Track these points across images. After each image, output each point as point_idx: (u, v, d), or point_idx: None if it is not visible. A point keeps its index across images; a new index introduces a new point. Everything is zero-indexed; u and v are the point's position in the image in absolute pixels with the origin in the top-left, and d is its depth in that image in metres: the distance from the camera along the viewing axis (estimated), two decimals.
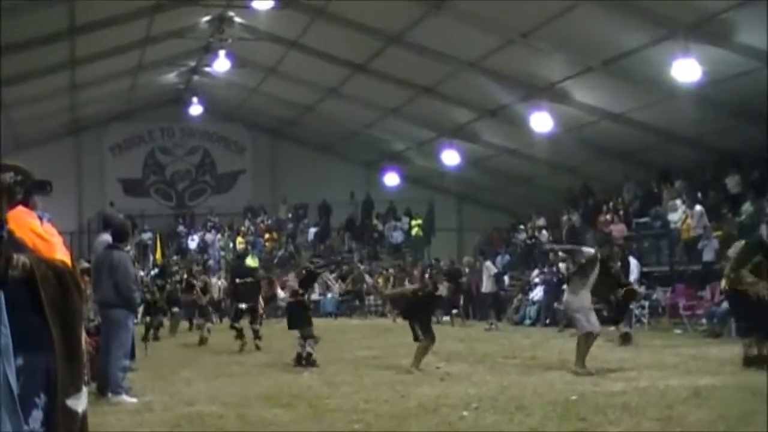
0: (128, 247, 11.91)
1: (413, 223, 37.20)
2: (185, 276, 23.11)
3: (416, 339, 13.19)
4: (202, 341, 19.17)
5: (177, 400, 10.36)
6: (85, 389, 4.26)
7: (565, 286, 15.43)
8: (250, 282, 18.48)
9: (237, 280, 18.75)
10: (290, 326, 14.55)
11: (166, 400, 10.28)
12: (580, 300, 12.49)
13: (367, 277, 31.25)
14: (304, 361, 13.77)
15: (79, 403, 4.14)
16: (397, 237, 37.49)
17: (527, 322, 24.97)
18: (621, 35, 19.91)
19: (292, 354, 14.32)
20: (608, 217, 26.67)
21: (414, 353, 13.12)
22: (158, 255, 31.46)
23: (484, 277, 24.91)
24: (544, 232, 30.41)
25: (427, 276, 24.80)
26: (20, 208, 4.40)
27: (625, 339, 16.68)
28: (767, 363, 11.45)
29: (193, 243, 37.18)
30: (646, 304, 21.48)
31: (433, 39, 23.17)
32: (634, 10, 18.68)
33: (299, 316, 14.35)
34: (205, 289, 21.90)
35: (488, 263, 25.61)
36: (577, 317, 12.55)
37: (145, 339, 17.48)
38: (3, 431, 3.51)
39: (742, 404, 8.72)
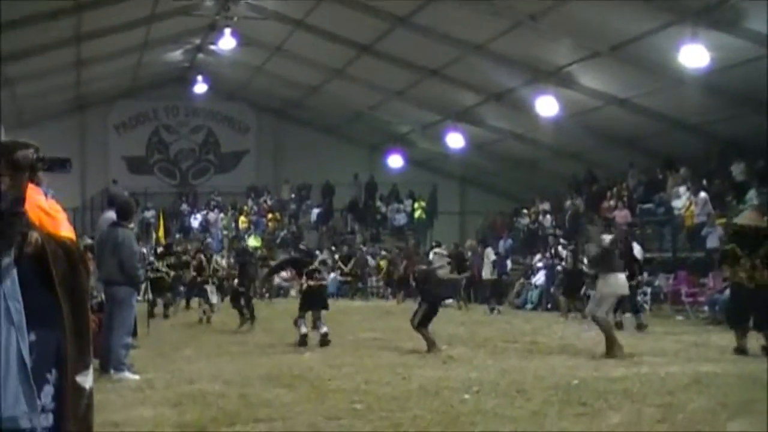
0: (132, 225, 11.92)
1: (416, 205, 37.25)
2: (194, 255, 23.02)
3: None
4: (208, 320, 19.34)
5: (178, 377, 10.39)
6: (91, 366, 4.27)
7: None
8: (248, 263, 18.95)
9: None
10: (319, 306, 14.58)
11: (168, 378, 10.30)
12: (602, 285, 12.67)
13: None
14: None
15: (87, 379, 4.16)
16: (400, 219, 37.51)
17: (528, 306, 25.02)
18: (629, 20, 19.79)
19: (293, 335, 14.39)
20: (612, 203, 26.64)
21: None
22: (161, 233, 31.40)
23: (485, 264, 24.99)
24: (547, 216, 30.42)
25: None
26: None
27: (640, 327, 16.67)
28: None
29: (195, 222, 37.26)
30: (649, 290, 21.50)
31: (439, 21, 23.08)
32: None
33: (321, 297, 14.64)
34: (215, 269, 21.90)
35: (488, 249, 25.64)
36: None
37: (150, 316, 17.51)
38: (18, 405, 3.53)
39: (742, 392, 8.72)
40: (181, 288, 23.45)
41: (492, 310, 23.06)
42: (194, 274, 21.27)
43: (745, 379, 9.60)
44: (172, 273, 21.72)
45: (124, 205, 11.55)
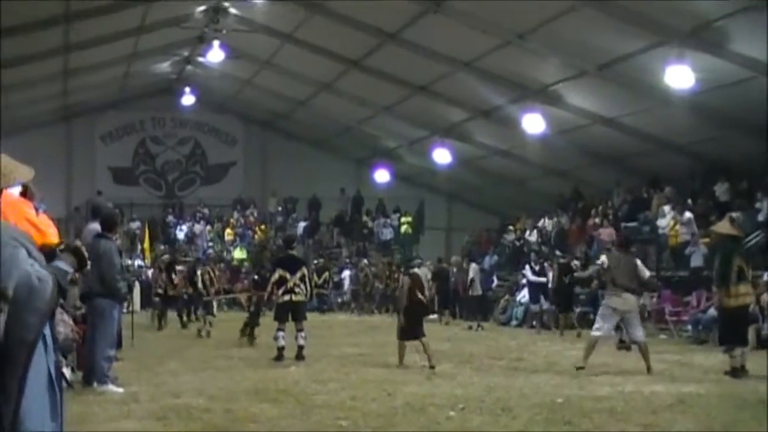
0: (116, 237, 11.88)
1: (403, 220, 37.26)
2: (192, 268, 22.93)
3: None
4: (208, 334, 19.05)
5: (163, 391, 10.35)
6: None
7: None
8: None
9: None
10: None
11: (152, 391, 10.27)
12: (607, 301, 12.88)
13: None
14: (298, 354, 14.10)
15: None
16: (387, 234, 37.52)
17: (514, 323, 25.04)
18: (616, 40, 19.94)
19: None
20: (597, 221, 26.77)
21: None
22: (146, 245, 31.37)
23: (470, 280, 25.04)
24: (534, 233, 30.48)
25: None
26: (18, 197, 4.41)
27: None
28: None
29: (181, 233, 37.18)
30: None
31: (429, 38, 23.18)
32: (629, 16, 18.70)
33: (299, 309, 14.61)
34: (211, 282, 21.61)
35: (473, 265, 25.70)
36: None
37: (160, 328, 17.37)
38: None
39: (726, 413, 8.78)
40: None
41: (474, 326, 23.07)
42: (200, 287, 20.78)
43: (728, 400, 9.65)
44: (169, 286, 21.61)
45: (107, 217, 11.52)
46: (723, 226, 13.28)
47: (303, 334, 14.35)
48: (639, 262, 13.38)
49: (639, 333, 12.85)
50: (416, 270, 14.55)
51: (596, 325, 12.94)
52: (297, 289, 14.45)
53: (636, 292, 13.20)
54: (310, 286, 15.03)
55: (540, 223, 30.61)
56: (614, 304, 12.73)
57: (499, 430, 8.06)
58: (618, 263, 12.97)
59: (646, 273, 13.36)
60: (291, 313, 14.51)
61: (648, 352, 12.63)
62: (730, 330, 12.44)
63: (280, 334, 14.33)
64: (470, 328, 23.02)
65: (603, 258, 13.42)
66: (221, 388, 10.72)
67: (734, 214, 13.51)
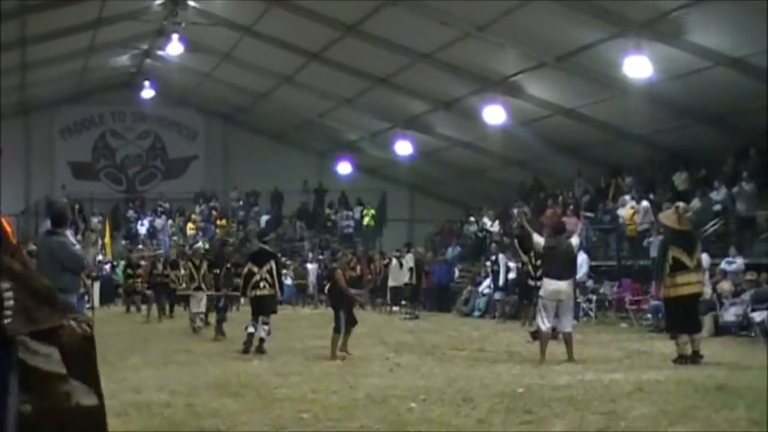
0: (68, 231, 11.70)
1: (365, 212, 37.27)
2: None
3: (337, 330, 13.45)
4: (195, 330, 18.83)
5: (124, 386, 10.25)
6: None
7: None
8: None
9: None
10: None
11: (112, 387, 10.12)
12: (544, 292, 12.89)
13: None
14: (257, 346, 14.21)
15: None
16: (349, 226, 37.51)
17: (476, 314, 25.16)
18: (575, 31, 20.10)
19: (240, 343, 14.38)
20: (558, 210, 26.93)
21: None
22: (106, 240, 31.07)
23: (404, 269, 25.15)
24: (496, 223, 30.62)
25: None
26: None
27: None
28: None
29: (143, 228, 36.88)
30: (594, 298, 21.81)
31: (389, 30, 23.18)
32: (587, 7, 18.86)
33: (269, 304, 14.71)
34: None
35: (409, 256, 25.77)
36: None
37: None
38: None
39: (683, 399, 8.88)
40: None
41: (407, 316, 23.17)
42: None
43: (686, 386, 9.78)
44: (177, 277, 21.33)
45: (57, 212, 11.34)
46: (665, 216, 13.43)
47: (266, 327, 14.39)
48: (575, 241, 13.34)
49: (569, 323, 12.85)
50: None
51: (541, 319, 12.82)
52: (263, 283, 14.46)
53: (572, 279, 13.26)
54: (278, 279, 14.96)
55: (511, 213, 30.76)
56: (551, 295, 12.76)
57: (460, 420, 8.09)
58: (554, 251, 12.95)
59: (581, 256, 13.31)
60: (258, 306, 14.59)
61: (572, 343, 12.71)
62: (672, 318, 12.65)
63: (251, 323, 14.50)
64: (410, 315, 23.14)
65: (538, 239, 13.28)
66: (182, 383, 10.65)
67: (680, 204, 13.60)
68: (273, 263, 14.77)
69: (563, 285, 12.78)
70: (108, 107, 38.18)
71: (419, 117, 29.51)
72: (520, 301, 21.90)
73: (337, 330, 13.55)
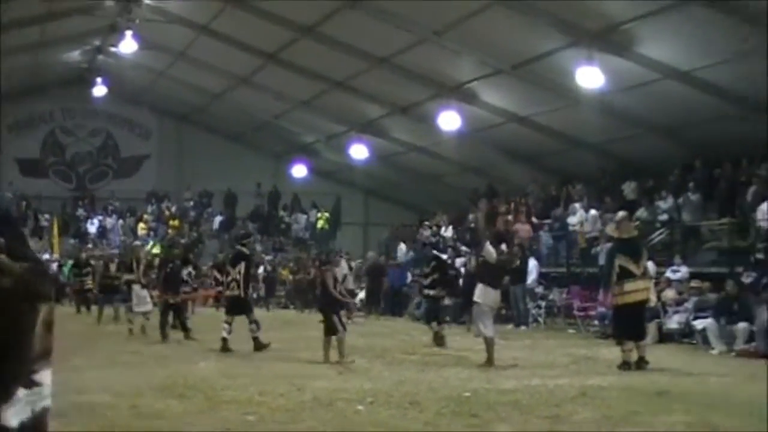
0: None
1: (319, 216, 37.20)
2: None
3: (334, 332, 13.20)
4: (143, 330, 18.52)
5: (66, 388, 10.06)
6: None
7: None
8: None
9: None
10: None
11: (54, 388, 9.98)
12: (482, 299, 12.87)
13: None
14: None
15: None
16: (303, 229, 37.41)
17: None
18: (530, 40, 20.30)
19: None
20: (510, 218, 27.16)
21: (336, 346, 13.15)
22: (55, 239, 30.67)
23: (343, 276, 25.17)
24: (450, 228, 30.74)
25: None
26: None
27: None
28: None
29: (92, 227, 36.41)
30: (543, 304, 22.03)
31: (346, 33, 23.21)
32: (543, 16, 19.05)
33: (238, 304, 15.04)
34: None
35: (343, 262, 25.80)
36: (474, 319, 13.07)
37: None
38: None
39: (626, 404, 9.02)
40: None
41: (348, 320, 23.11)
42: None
43: (628, 391, 9.94)
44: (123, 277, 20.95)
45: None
46: (609, 227, 13.69)
47: (227, 327, 14.73)
48: (489, 246, 13.31)
49: (492, 328, 12.97)
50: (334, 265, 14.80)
51: (484, 326, 12.82)
52: (233, 284, 15.00)
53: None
54: (244, 281, 15.07)
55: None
56: (490, 302, 12.90)
57: (406, 423, 8.13)
58: (499, 262, 13.12)
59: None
60: (230, 306, 15.20)
61: (493, 349, 12.80)
62: (619, 325, 12.83)
63: (225, 326, 14.79)
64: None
65: (490, 249, 13.23)
66: (128, 384, 10.53)
67: (621, 214, 13.77)
68: (243, 265, 15.02)
69: (500, 293, 13.29)
70: (59, 103, 37.62)
71: (375, 121, 29.56)
72: (468, 306, 21.98)
73: (330, 332, 13.31)
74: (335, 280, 14.02)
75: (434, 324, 16.55)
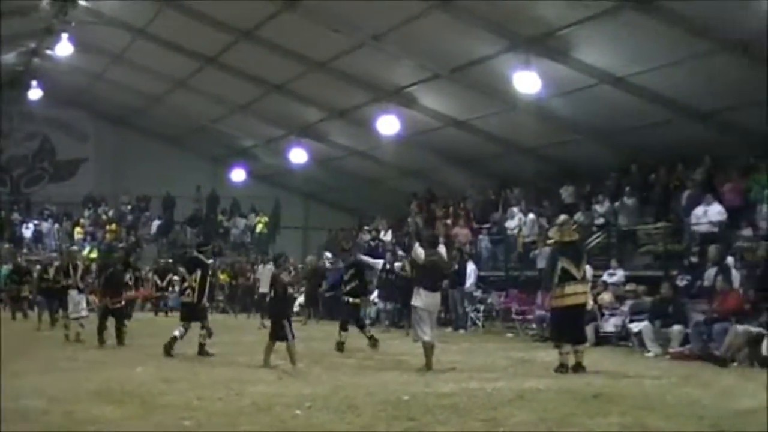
0: None
1: (258, 220, 37.01)
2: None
3: (284, 339, 13.05)
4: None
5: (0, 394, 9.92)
6: None
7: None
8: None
9: None
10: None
11: None
12: (420, 303, 12.93)
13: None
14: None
15: None
16: (242, 234, 37.18)
17: (367, 322, 25.17)
18: (468, 44, 20.43)
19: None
20: (449, 221, 27.37)
21: (287, 352, 13.03)
22: None
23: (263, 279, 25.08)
24: (389, 233, 30.84)
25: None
26: None
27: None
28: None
29: (28, 232, 35.72)
30: (481, 307, 22.24)
31: (285, 36, 23.11)
32: (481, 21, 19.15)
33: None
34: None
35: (269, 266, 25.71)
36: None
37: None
38: None
39: (562, 407, 9.17)
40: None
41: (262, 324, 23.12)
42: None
43: (565, 394, 10.10)
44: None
45: None
46: (551, 230, 13.87)
47: (182, 331, 14.83)
48: (418, 248, 13.33)
49: (432, 332, 13.00)
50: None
51: (421, 331, 12.83)
52: (188, 291, 15.04)
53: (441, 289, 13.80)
54: (200, 288, 14.94)
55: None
56: (427, 306, 12.92)
57: (344, 426, 8.16)
58: (432, 263, 13.06)
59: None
60: (185, 312, 15.21)
61: (432, 353, 12.86)
62: (558, 328, 12.97)
63: (180, 329, 14.90)
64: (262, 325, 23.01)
65: (419, 251, 13.19)
66: (63, 389, 10.37)
67: (562, 217, 13.95)
68: (199, 272, 14.98)
69: (438, 296, 13.27)
70: None
71: (314, 125, 29.52)
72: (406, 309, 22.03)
73: (277, 338, 13.15)
74: (288, 284, 14.01)
75: (342, 333, 16.46)
